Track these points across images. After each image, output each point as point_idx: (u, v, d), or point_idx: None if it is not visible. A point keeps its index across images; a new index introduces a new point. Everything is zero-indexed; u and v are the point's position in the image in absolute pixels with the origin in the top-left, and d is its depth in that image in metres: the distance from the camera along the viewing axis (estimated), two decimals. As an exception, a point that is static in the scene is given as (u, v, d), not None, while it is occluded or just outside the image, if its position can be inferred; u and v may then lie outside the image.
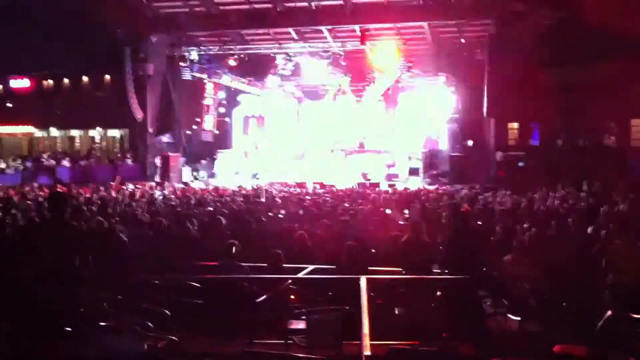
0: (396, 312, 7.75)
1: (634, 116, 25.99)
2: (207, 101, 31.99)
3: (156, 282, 7.61)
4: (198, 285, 7.61)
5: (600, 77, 23.55)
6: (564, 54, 23.28)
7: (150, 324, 6.36)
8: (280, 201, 16.34)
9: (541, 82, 23.65)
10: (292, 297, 7.72)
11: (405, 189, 20.86)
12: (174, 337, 6.31)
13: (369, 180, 26.38)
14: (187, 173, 29.54)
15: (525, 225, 10.27)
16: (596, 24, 19.66)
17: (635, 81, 22.23)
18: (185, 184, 26.44)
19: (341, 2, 25.04)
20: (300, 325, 6.98)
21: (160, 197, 18.08)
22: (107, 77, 33.26)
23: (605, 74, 23.18)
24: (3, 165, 29.35)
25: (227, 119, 33.96)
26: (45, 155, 31.12)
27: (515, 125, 28.70)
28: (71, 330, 5.91)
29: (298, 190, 21.19)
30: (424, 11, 25.12)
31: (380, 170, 28.03)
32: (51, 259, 6.11)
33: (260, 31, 28.56)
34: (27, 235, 7.15)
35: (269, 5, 25.77)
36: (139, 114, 28.67)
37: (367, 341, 5.26)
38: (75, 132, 37.54)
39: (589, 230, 9.47)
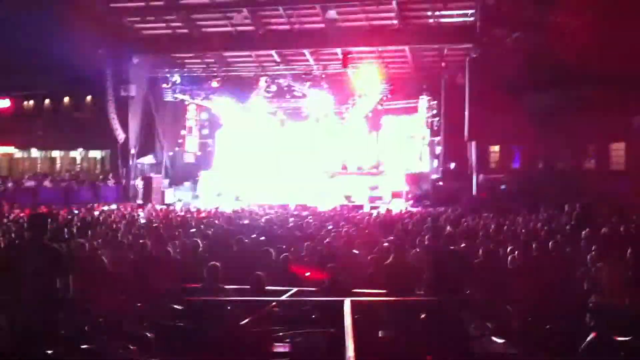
0: (380, 334, 7.72)
1: (613, 140, 26.27)
2: (190, 123, 31.99)
3: (138, 304, 7.53)
4: (180, 308, 7.54)
5: (580, 101, 23.83)
6: (544, 78, 23.54)
7: (132, 347, 6.28)
8: (263, 223, 16.29)
9: (522, 105, 23.88)
10: (276, 319, 7.66)
11: (388, 211, 20.88)
12: (156, 361, 6.24)
13: (353, 202, 26.41)
14: (169, 195, 29.39)
15: (508, 248, 10.31)
16: (575, 49, 19.93)
17: (615, 106, 22.54)
18: (168, 205, 26.30)
19: (323, 26, 25.24)
20: (285, 348, 6.92)
21: (142, 219, 17.97)
22: (89, 98, 33.13)
23: (585, 98, 23.47)
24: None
25: (209, 141, 33.91)
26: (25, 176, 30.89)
27: (497, 148, 28.92)
28: (52, 353, 5.82)
29: (281, 211, 21.14)
30: (406, 35, 25.41)
31: (363, 192, 28.08)
32: (31, 280, 6.03)
33: (243, 53, 28.70)
34: (7, 256, 7.05)
35: (251, 28, 25.91)
36: (120, 135, 28.57)
37: (352, 364, 5.21)
38: (56, 153, 37.30)
39: (572, 252, 9.53)
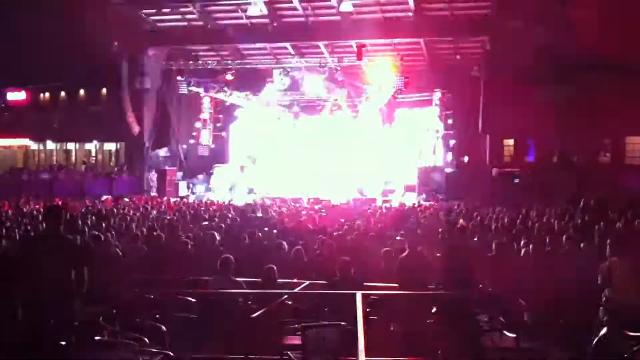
0: (392, 328, 7.72)
1: (628, 134, 26.09)
2: (204, 115, 32.02)
3: (151, 296, 7.58)
4: (193, 300, 7.58)
5: (596, 95, 23.67)
6: (559, 71, 23.40)
7: (145, 338, 6.32)
8: (276, 216, 16.32)
9: (537, 99, 23.76)
10: (288, 312, 7.69)
11: (401, 204, 20.85)
12: (169, 352, 6.27)
13: (366, 195, 26.38)
14: (183, 187, 29.49)
15: (521, 242, 10.26)
16: (592, 42, 19.77)
17: (630, 99, 22.37)
18: (182, 198, 26.39)
19: (338, 18, 25.18)
20: (296, 340, 6.94)
21: (156, 212, 18.04)
22: (104, 90, 33.25)
23: (601, 92, 23.30)
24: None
25: (223, 134, 33.94)
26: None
27: (511, 141, 28.78)
28: (65, 344, 5.87)
29: (294, 205, 21.17)
30: (420, 28, 25.31)
31: (376, 185, 28.02)
32: (46, 272, 6.08)
33: (258, 46, 28.70)
34: (23, 248, 7.12)
35: (266, 20, 25.90)
36: (135, 128, 28.69)
37: (363, 357, 5.23)
38: (71, 145, 37.49)
39: (585, 247, 9.47)
